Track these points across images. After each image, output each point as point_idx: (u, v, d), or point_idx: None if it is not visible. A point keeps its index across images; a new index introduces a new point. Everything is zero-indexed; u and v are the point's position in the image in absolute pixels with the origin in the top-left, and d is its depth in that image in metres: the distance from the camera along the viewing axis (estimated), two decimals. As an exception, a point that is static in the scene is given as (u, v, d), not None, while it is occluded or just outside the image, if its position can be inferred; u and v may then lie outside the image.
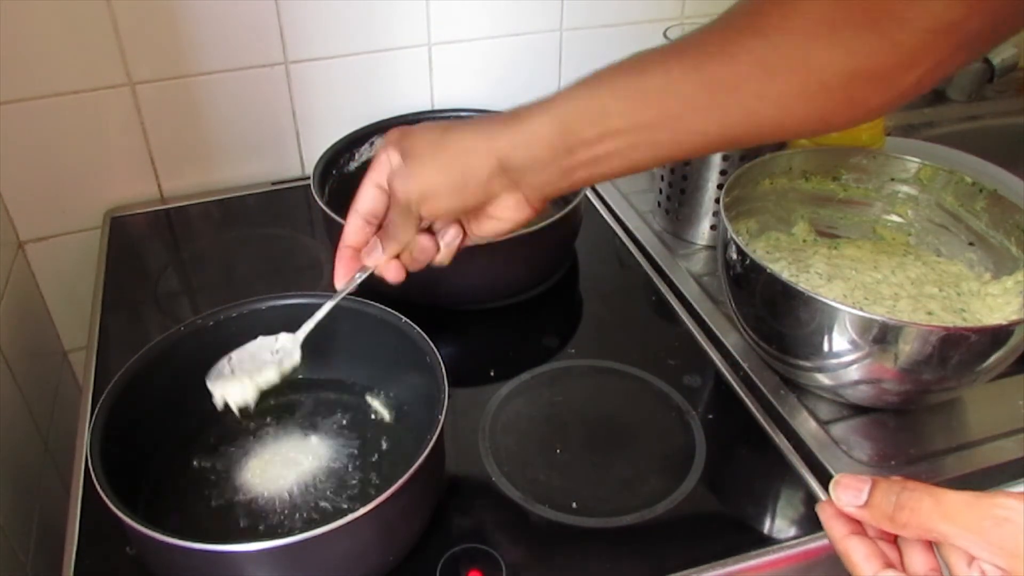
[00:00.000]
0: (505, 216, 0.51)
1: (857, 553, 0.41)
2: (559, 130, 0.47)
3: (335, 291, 0.56)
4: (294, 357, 0.56)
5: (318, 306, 0.59)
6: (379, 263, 0.53)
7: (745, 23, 0.44)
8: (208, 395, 0.62)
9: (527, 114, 0.48)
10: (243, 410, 0.55)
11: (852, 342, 0.58)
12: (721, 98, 0.44)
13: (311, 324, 0.56)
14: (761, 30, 0.43)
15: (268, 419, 0.63)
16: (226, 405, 0.55)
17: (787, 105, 0.44)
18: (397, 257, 0.53)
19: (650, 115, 0.46)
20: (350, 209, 0.54)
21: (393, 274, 0.54)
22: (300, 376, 0.65)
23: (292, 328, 0.61)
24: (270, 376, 0.56)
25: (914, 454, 0.62)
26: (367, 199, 0.53)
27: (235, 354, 0.57)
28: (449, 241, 0.53)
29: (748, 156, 0.77)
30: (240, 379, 0.56)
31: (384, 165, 0.52)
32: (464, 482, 0.60)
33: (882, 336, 0.56)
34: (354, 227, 0.54)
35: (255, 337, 0.62)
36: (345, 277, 0.55)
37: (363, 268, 0.54)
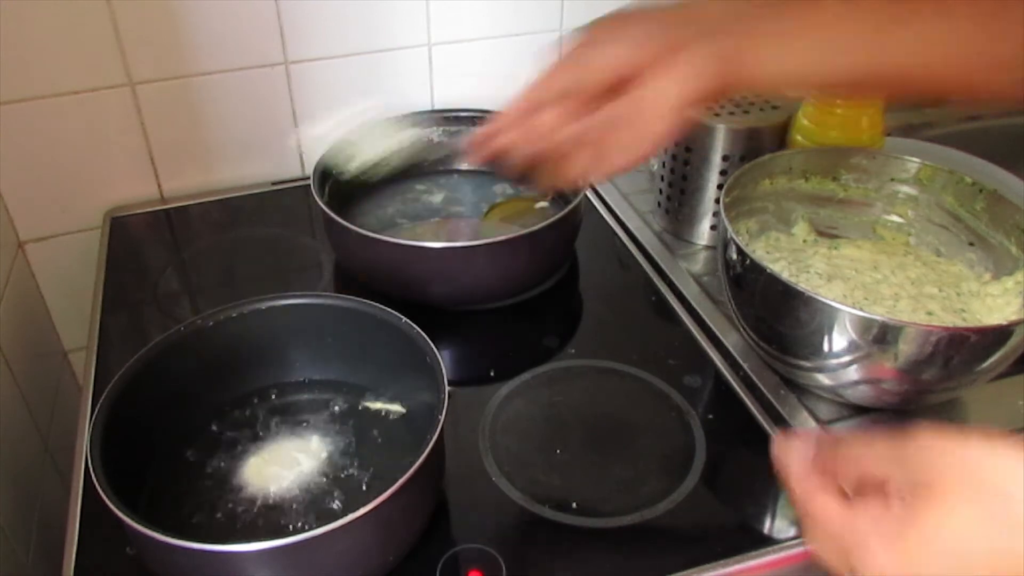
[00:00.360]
0: (659, 85, 0.48)
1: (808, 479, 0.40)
2: None
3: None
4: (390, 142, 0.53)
5: (317, 306, 0.59)
6: (547, 85, 0.51)
7: None
8: (207, 395, 0.62)
9: None
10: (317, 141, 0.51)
11: (852, 342, 0.58)
12: (935, 18, 0.46)
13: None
14: None
15: (268, 419, 0.63)
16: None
17: (998, 44, 0.46)
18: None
19: (862, 25, 0.47)
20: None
21: (551, 119, 0.50)
22: (300, 377, 0.65)
23: (297, 332, 0.61)
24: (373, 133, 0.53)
25: (914, 454, 0.62)
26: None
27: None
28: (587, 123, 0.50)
29: (748, 156, 0.77)
30: (336, 118, 0.52)
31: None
32: (464, 482, 0.60)
33: (882, 336, 0.56)
34: (518, 106, 0.52)
35: (255, 338, 0.62)
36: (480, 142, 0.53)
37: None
